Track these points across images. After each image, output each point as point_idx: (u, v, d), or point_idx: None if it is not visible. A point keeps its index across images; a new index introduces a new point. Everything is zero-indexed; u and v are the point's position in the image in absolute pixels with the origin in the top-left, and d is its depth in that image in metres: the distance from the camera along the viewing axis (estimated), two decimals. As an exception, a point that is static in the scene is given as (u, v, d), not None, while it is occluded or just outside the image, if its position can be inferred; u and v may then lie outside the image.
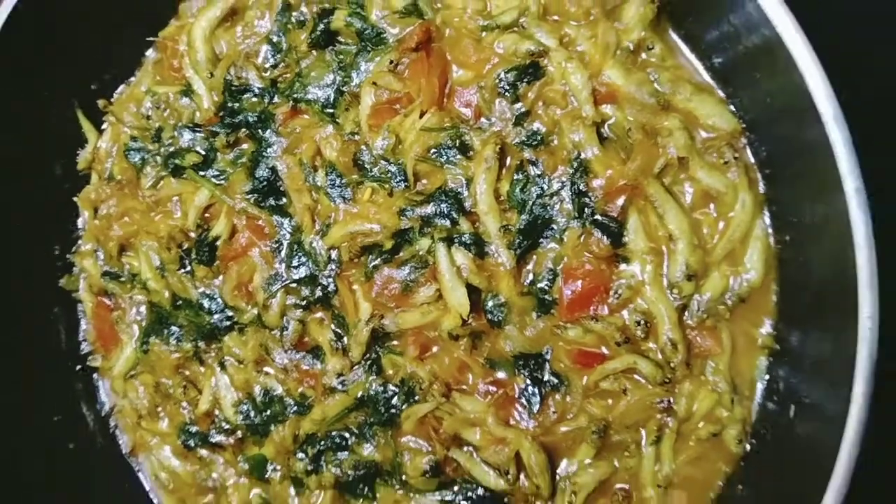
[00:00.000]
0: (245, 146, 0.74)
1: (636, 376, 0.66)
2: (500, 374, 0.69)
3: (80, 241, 0.79)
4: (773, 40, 0.51)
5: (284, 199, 0.72)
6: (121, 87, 0.78)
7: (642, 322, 0.65)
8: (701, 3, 0.58)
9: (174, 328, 0.76)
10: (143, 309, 0.78)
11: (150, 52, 0.78)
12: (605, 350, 0.66)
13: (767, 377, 0.64)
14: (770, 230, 0.64)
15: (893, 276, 0.50)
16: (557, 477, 0.69)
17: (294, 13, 0.73)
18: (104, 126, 0.79)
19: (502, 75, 0.67)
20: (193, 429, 0.76)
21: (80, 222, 0.80)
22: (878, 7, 0.72)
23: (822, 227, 0.53)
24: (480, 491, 0.68)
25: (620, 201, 0.65)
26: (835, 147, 0.51)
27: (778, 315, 0.64)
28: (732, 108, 0.64)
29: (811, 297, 0.58)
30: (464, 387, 0.69)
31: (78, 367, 0.79)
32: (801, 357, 0.61)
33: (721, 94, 0.66)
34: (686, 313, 0.65)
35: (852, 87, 0.52)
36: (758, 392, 0.65)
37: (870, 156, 0.50)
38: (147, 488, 0.79)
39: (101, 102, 0.78)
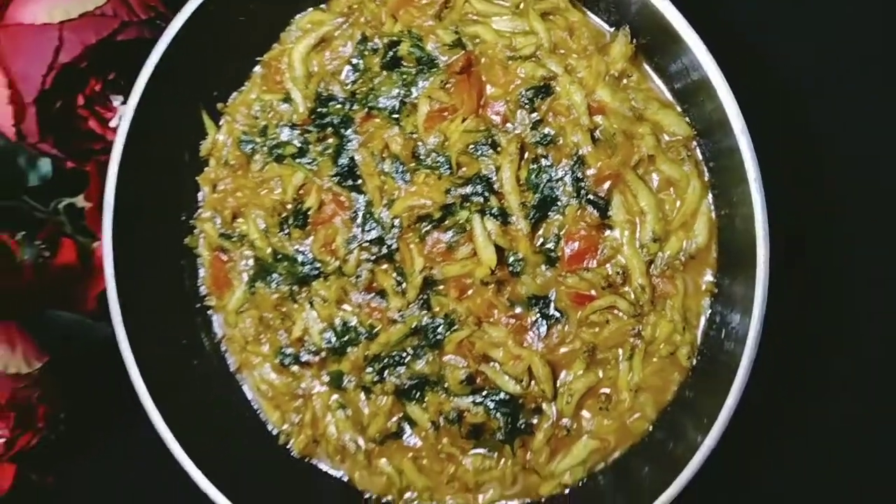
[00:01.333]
0: (331, 141, 0.87)
1: (616, 311, 0.82)
2: (518, 310, 0.83)
3: (200, 210, 0.93)
4: (706, 78, 0.69)
5: (360, 181, 0.86)
6: (234, 94, 0.92)
7: (621, 272, 0.81)
8: (663, 47, 0.75)
9: (274, 276, 0.89)
10: (250, 261, 0.91)
11: (257, 69, 0.91)
12: (594, 293, 0.82)
13: (709, 311, 0.81)
14: (712, 207, 0.80)
15: (779, 239, 0.68)
16: (558, 384, 0.84)
17: (370, 43, 0.86)
18: (221, 123, 0.92)
19: (523, 92, 0.82)
20: (288, 351, 0.90)
21: (200, 196, 0.93)
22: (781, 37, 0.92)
23: (740, 205, 0.71)
24: (502, 395, 0.83)
25: (607, 185, 0.80)
26: (743, 151, 0.69)
27: (717, 267, 0.80)
28: (687, 119, 0.80)
29: (736, 254, 0.75)
30: (491, 319, 0.84)
31: (198, 305, 0.93)
32: (730, 297, 0.77)
33: (679, 109, 0.81)
34: (652, 266, 0.81)
35: (757, 104, 0.71)
36: (702, 322, 0.81)
37: (767, 154, 0.68)
38: (249, 397, 0.93)
39: (219, 105, 0.91)
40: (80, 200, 0.94)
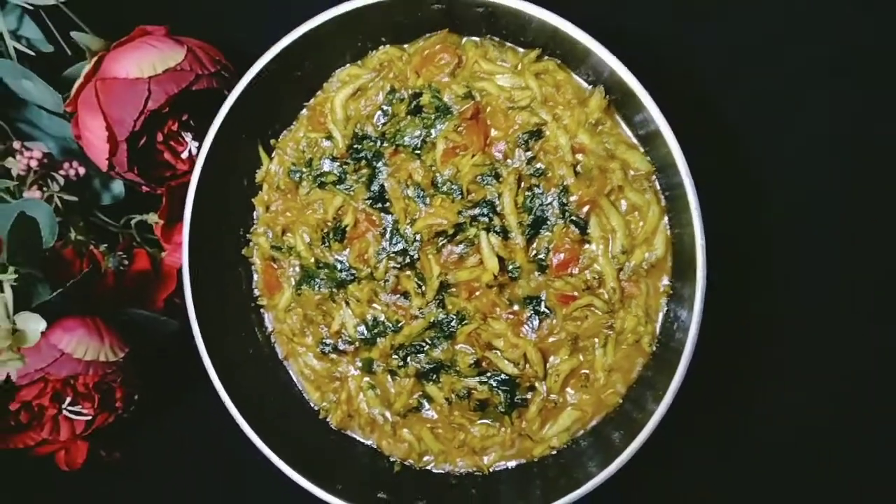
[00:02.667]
0: (364, 171, 0.93)
1: (593, 308, 0.89)
2: (516, 308, 0.90)
3: (255, 226, 1.00)
4: (659, 131, 0.80)
5: (388, 203, 0.92)
6: (285, 132, 0.99)
7: (597, 277, 0.89)
8: (628, 104, 0.85)
9: (317, 280, 0.95)
10: (297, 269, 0.98)
11: (304, 112, 0.98)
12: (576, 294, 0.89)
13: (665, 308, 0.89)
14: (668, 227, 0.88)
15: (713, 254, 0.80)
16: (547, 366, 0.91)
17: (397, 94, 0.93)
18: (274, 155, 0.99)
19: (520, 135, 0.89)
20: (328, 341, 0.96)
21: (255, 215, 1.01)
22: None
23: (686, 226, 0.81)
24: (503, 376, 0.91)
25: (586, 209, 0.88)
26: (686, 186, 0.79)
27: (671, 273, 0.89)
28: (648, 158, 0.88)
29: (685, 265, 0.85)
30: (494, 315, 0.91)
31: (252, 304, 1.02)
32: (681, 297, 0.85)
33: (642, 150, 0.88)
34: (621, 273, 0.88)
35: (702, 145, 0.84)
36: (660, 317, 0.89)
37: (708, 186, 0.81)
38: (295, 380, 1.01)
39: (273, 141, 0.99)
40: (150, 217, 1.06)
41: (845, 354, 1.04)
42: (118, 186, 1.10)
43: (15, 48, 1.06)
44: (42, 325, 0.81)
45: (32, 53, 1.06)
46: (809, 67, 1.02)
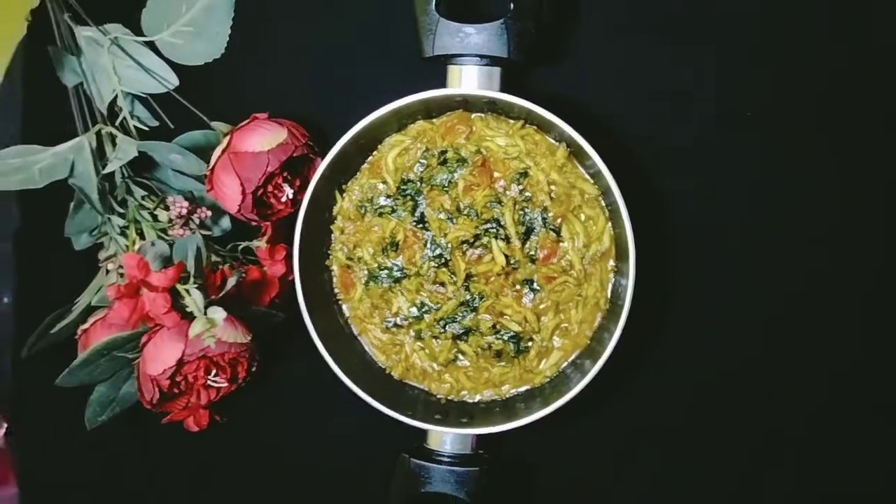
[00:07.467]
0: (409, 203, 1.21)
1: (568, 284, 1.19)
2: (517, 287, 1.19)
3: (333, 244, 1.29)
4: (600, 170, 1.11)
5: (428, 224, 1.20)
6: (352, 180, 1.28)
7: (569, 263, 1.18)
8: (580, 154, 1.15)
9: (380, 279, 1.24)
10: (365, 272, 1.27)
11: (365, 165, 1.28)
12: (556, 275, 1.18)
13: (613, 280, 1.19)
14: (611, 229, 1.17)
15: (642, 247, 1.13)
16: (540, 324, 1.20)
17: (429, 151, 1.22)
18: (345, 196, 1.28)
19: (514, 175, 1.17)
20: (390, 320, 1.24)
21: (333, 237, 1.30)
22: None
23: (622, 229, 1.12)
24: (512, 332, 1.21)
25: (559, 221, 1.17)
26: (620, 205, 1.10)
27: (615, 258, 1.20)
28: (596, 187, 1.16)
29: (623, 252, 1.14)
30: (503, 293, 1.22)
31: (334, 298, 1.31)
32: (622, 272, 1.14)
33: (592, 182, 1.18)
34: (584, 260, 1.18)
35: (628, 177, 1.13)
36: (609, 286, 1.20)
37: (632, 204, 1.12)
38: (367, 349, 1.31)
39: (343, 186, 1.26)
40: (254, 243, 1.46)
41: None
42: (226, 222, 1.43)
43: (134, 126, 1.56)
44: (224, 314, 1.32)
45: (146, 129, 1.56)
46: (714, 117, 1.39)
